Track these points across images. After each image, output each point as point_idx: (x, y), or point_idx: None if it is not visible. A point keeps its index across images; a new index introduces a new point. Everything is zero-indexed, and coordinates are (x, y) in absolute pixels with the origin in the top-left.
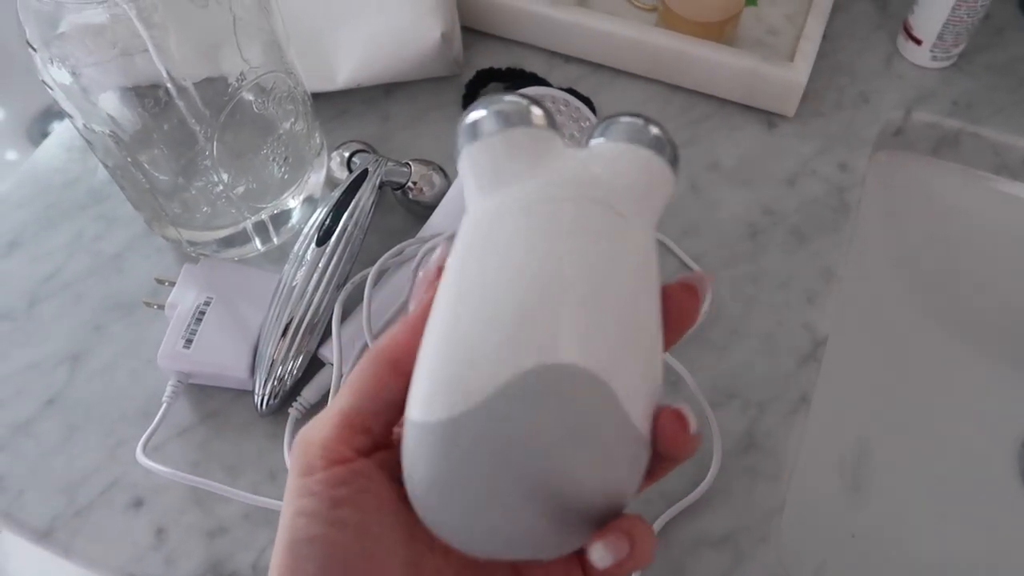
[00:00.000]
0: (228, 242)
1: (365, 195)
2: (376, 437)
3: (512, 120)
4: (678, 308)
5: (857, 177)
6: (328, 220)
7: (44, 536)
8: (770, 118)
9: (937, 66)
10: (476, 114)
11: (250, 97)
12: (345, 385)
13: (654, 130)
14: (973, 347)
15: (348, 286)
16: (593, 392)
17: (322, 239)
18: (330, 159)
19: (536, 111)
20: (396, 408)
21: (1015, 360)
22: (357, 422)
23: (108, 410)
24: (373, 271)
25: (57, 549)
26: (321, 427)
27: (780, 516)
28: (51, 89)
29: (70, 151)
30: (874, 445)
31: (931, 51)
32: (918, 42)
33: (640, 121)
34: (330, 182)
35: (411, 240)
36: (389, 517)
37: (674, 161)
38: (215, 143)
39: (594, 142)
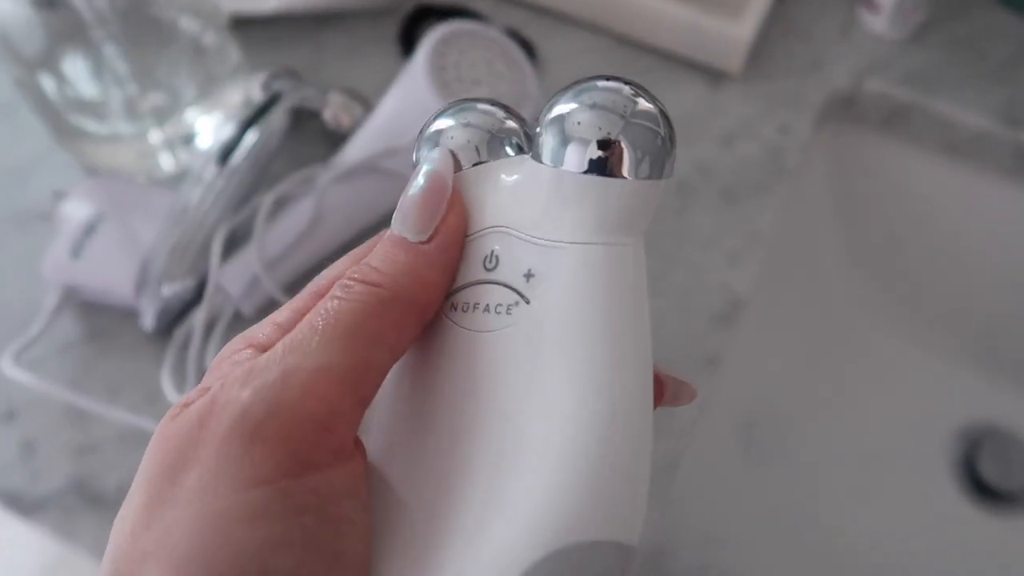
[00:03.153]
0: (135, 159)
1: (276, 117)
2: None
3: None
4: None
5: (797, 141)
6: (234, 140)
7: None
8: (716, 77)
9: (895, 36)
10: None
11: None
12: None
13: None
14: (909, 327)
15: (246, 209)
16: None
17: (223, 158)
18: (250, 83)
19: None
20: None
21: (950, 345)
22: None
23: None
24: (271, 195)
25: None
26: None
27: (673, 476)
28: None
29: None
30: (787, 417)
31: (890, 19)
32: (877, 9)
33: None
34: (248, 106)
35: (318, 166)
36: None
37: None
38: (114, 45)
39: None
